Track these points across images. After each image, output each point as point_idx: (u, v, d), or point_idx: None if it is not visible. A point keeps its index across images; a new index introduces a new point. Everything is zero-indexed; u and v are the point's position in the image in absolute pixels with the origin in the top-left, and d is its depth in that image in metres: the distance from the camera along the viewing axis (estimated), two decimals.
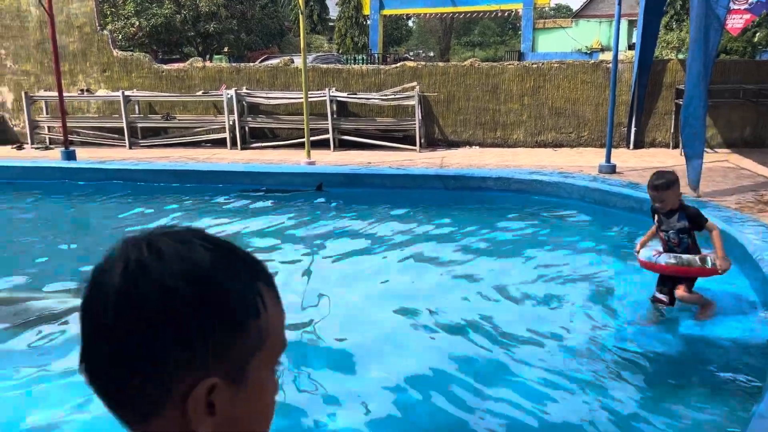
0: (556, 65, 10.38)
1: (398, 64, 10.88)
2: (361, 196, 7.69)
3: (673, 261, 3.77)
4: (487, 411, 2.98)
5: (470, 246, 5.69)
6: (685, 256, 3.75)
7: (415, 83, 10.40)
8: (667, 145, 10.20)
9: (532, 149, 10.39)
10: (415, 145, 10.23)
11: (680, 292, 3.81)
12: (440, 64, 10.76)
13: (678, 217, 3.77)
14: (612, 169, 8.07)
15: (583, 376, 3.28)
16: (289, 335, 0.74)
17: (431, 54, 38.33)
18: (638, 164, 8.65)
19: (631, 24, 25.64)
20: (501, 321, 3.96)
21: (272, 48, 25.98)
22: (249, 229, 6.30)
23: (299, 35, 8.81)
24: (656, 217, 3.92)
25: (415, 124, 10.22)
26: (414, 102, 10.14)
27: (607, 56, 20.87)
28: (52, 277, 4.86)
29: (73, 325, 3.77)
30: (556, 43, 24.82)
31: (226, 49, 24.67)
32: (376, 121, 10.67)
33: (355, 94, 10.53)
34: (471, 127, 10.65)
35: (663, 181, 3.72)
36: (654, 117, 10.19)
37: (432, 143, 10.72)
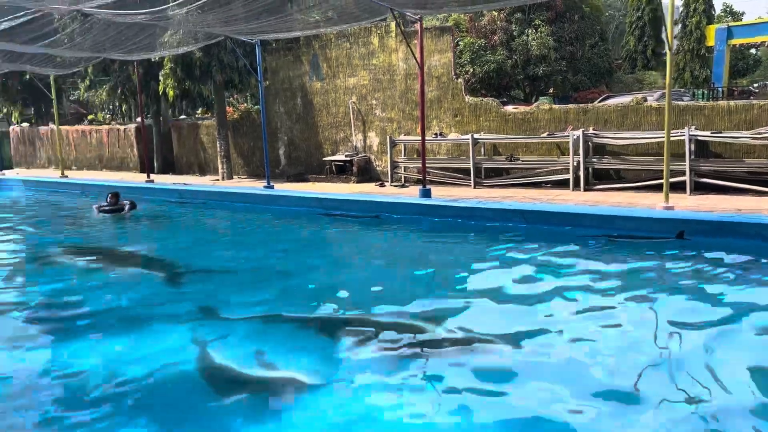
0: None
1: None
2: (732, 247, 6.70)
3: None
4: None
5: None
6: None
7: None
8: None
9: None
10: None
11: None
12: None
13: None
14: None
15: None
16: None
17: None
18: None
19: None
20: None
21: (600, 87, 25.23)
22: (600, 275, 5.96)
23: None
24: None
25: None
26: None
27: None
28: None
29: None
30: None
31: (551, 90, 24.77)
32: (744, 162, 9.39)
33: (720, 132, 9.44)
34: None
35: None
36: None
37: None
